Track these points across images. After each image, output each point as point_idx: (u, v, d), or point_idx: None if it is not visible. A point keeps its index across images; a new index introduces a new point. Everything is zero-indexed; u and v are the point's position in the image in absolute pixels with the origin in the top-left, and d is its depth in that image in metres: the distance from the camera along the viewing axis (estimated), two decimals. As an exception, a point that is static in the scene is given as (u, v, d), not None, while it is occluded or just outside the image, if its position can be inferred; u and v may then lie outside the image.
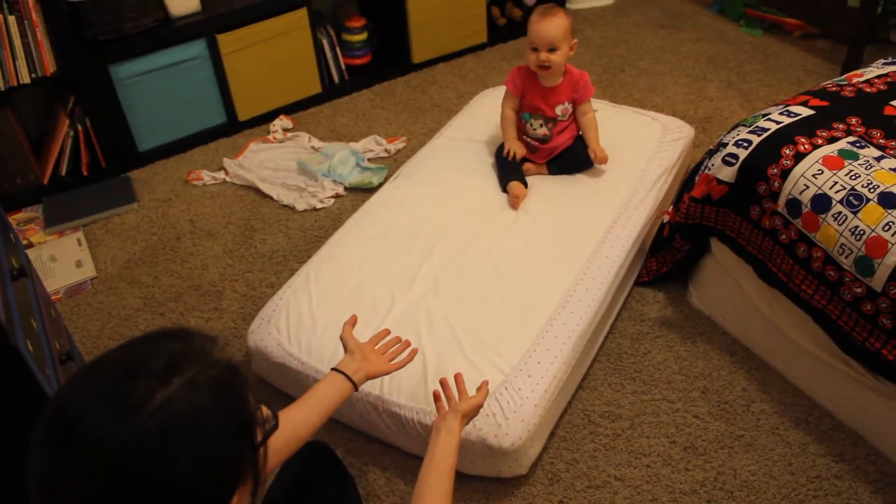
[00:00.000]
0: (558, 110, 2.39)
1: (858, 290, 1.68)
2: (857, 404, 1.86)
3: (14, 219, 2.80)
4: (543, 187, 2.39)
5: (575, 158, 2.43)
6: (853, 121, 1.91)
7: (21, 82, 2.64)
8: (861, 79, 2.11)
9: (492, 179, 2.44)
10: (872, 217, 1.67)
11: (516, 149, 2.40)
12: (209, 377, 0.80)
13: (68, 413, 0.76)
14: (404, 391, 1.82)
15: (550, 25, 2.27)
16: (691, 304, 2.25)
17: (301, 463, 1.52)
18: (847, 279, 1.70)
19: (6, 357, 1.23)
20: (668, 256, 2.24)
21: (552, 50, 2.29)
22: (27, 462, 0.78)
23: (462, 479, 1.83)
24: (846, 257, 1.69)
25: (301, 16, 3.12)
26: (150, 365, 0.79)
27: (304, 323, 2.00)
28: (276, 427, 0.91)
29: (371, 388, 1.84)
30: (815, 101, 2.00)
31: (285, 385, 2.02)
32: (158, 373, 0.78)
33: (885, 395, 1.75)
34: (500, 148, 2.46)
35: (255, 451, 0.85)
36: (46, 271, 2.55)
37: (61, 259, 2.61)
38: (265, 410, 0.91)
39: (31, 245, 2.69)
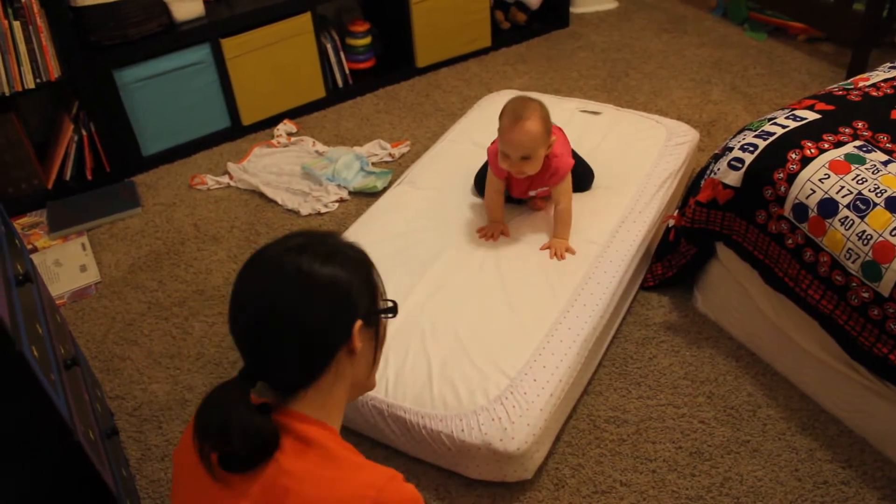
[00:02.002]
0: (533, 193, 2.27)
1: (865, 294, 1.67)
2: (864, 410, 1.85)
3: (19, 223, 2.80)
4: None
5: (575, 179, 2.26)
6: (860, 125, 1.90)
7: (26, 87, 2.64)
8: (867, 82, 2.11)
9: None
10: (879, 222, 1.66)
11: (496, 232, 2.22)
12: (350, 257, 1.09)
13: (240, 290, 1.06)
14: (409, 396, 1.82)
15: (523, 135, 1.99)
16: (697, 309, 2.24)
17: None
18: (854, 284, 1.69)
19: (11, 363, 1.22)
20: (673, 261, 2.23)
21: (525, 158, 2.04)
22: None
23: (467, 484, 1.82)
24: (853, 262, 1.69)
25: (305, 20, 3.12)
26: (308, 246, 1.07)
27: (308, 328, 1.99)
28: (396, 307, 1.17)
29: (376, 392, 1.83)
30: (822, 105, 2.00)
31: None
32: (317, 254, 1.06)
33: (893, 400, 1.74)
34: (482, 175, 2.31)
35: (375, 308, 1.13)
36: (51, 276, 2.55)
37: (66, 264, 2.61)
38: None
39: (35, 250, 2.69)
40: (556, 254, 2.14)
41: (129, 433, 2.03)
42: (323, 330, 1.04)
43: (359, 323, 1.07)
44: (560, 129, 2.30)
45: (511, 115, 2.02)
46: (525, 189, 2.23)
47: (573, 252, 2.15)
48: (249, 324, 1.04)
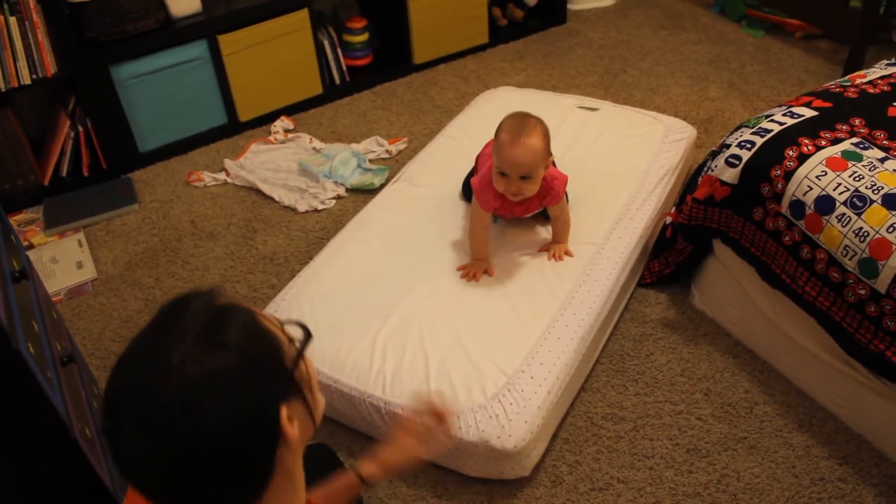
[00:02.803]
0: (529, 216, 2.20)
1: (862, 291, 1.68)
2: (860, 407, 1.85)
3: (15, 220, 2.79)
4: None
5: None
6: (857, 122, 1.90)
7: (22, 83, 2.63)
8: (864, 80, 2.11)
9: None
10: (876, 219, 1.66)
11: (479, 271, 2.08)
12: (238, 333, 0.83)
13: (114, 378, 0.81)
14: (407, 393, 1.81)
15: (525, 152, 1.88)
16: (694, 306, 2.24)
17: (303, 465, 1.51)
18: (851, 281, 1.70)
19: (7, 360, 1.22)
20: (670, 258, 2.23)
21: (525, 178, 1.93)
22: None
23: (465, 481, 1.82)
24: (850, 259, 1.69)
25: (302, 17, 3.11)
26: (187, 331, 0.81)
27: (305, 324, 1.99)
28: (309, 337, 0.91)
29: (374, 390, 1.83)
30: (819, 103, 2.00)
31: (287, 387, 2.01)
32: (191, 340, 0.81)
33: (889, 397, 1.75)
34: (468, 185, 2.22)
35: (289, 375, 0.87)
36: (47, 273, 2.55)
37: (62, 260, 2.60)
38: (289, 332, 0.92)
39: (31, 246, 2.68)
40: (554, 255, 2.13)
41: (126, 430, 2.02)
42: (241, 442, 0.80)
43: (283, 409, 0.84)
44: None
45: (510, 131, 1.90)
46: (520, 212, 2.13)
47: (571, 255, 2.13)
48: (141, 457, 0.79)
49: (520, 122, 1.92)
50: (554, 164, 2.22)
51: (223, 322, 0.83)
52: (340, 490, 1.29)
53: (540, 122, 1.96)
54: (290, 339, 0.91)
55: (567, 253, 2.13)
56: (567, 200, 2.17)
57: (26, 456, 1.35)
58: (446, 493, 1.81)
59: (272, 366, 0.85)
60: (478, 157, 2.27)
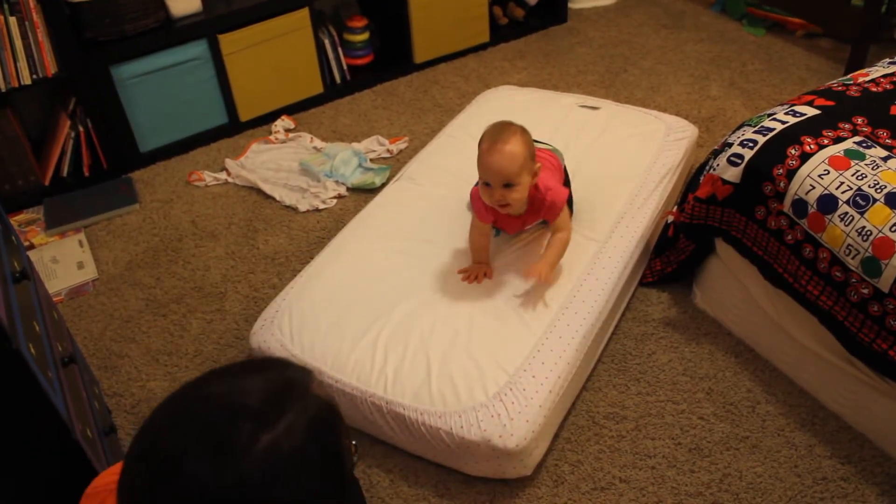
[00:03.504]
0: (529, 228, 2.15)
1: (865, 291, 1.67)
2: (863, 406, 1.85)
3: (15, 220, 2.79)
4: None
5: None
6: (859, 120, 1.90)
7: (22, 83, 2.63)
8: (867, 78, 2.10)
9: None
10: (879, 217, 1.66)
11: (480, 274, 2.06)
12: (310, 418, 0.78)
13: (165, 449, 0.73)
14: (409, 392, 1.81)
15: (503, 158, 1.84)
16: (696, 305, 2.24)
17: None
18: (854, 280, 1.69)
19: (8, 361, 1.22)
20: (672, 257, 2.23)
21: (509, 186, 1.89)
22: (120, 485, 0.76)
23: (466, 481, 1.82)
24: (853, 258, 1.68)
25: (303, 16, 3.11)
26: (248, 403, 0.76)
27: (307, 324, 1.99)
28: (357, 461, 0.89)
29: (375, 389, 1.83)
30: (821, 101, 1.99)
31: (288, 387, 2.01)
32: (260, 414, 0.75)
33: (892, 396, 1.74)
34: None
35: (345, 491, 0.82)
36: (48, 273, 2.54)
37: (63, 260, 2.60)
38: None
39: (32, 246, 2.68)
40: (533, 272, 1.93)
41: (128, 430, 2.02)
42: None
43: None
44: (554, 154, 2.21)
45: (489, 139, 1.88)
46: (518, 227, 2.12)
47: (550, 283, 1.99)
48: None
49: (499, 129, 1.90)
50: (566, 174, 2.22)
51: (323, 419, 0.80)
52: None
53: (520, 129, 1.92)
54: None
55: (547, 280, 1.96)
56: (572, 212, 2.13)
57: (27, 457, 1.34)
58: (448, 493, 1.80)
59: (344, 454, 0.83)
60: (472, 193, 2.16)
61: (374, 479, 1.85)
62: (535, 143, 2.07)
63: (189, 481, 0.71)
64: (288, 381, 0.80)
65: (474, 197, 2.04)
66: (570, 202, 2.17)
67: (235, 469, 0.72)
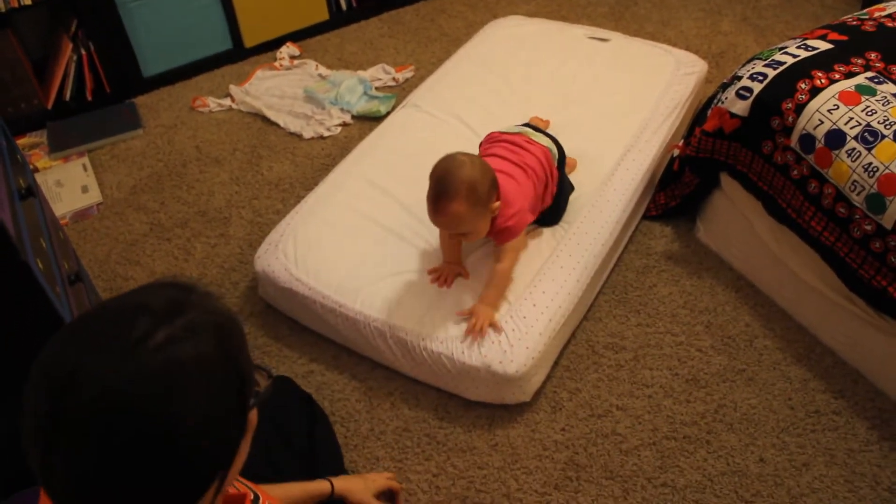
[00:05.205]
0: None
1: (868, 227, 1.67)
2: (859, 342, 1.87)
3: (19, 143, 2.78)
4: (556, 116, 2.36)
5: (549, 214, 2.03)
6: (872, 56, 1.87)
7: (22, 3, 2.59)
8: (883, 13, 2.06)
9: (500, 109, 2.41)
10: (887, 154, 1.65)
11: (451, 275, 1.89)
12: (212, 322, 0.74)
13: (63, 362, 0.69)
14: (412, 318, 1.83)
15: (447, 221, 1.70)
16: (699, 240, 2.24)
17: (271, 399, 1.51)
18: (857, 216, 1.69)
19: (17, 273, 1.23)
20: (676, 191, 2.23)
21: (462, 234, 1.76)
22: (20, 420, 0.71)
23: (466, 404, 1.85)
24: (858, 194, 1.68)
25: (309, -61, 3.04)
26: (148, 304, 0.72)
27: (311, 249, 2.00)
28: (270, 390, 0.83)
29: (379, 314, 1.85)
30: (834, 35, 1.96)
31: (292, 310, 2.03)
32: (159, 311, 0.72)
33: (889, 333, 1.76)
34: None
35: (245, 412, 0.78)
36: (52, 196, 2.55)
37: (67, 184, 2.60)
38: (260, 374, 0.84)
39: (36, 170, 2.67)
40: (475, 327, 1.75)
41: (133, 351, 2.05)
42: (215, 433, 0.73)
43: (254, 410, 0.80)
44: (546, 150, 1.97)
45: (434, 192, 1.67)
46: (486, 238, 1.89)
47: (499, 330, 1.76)
48: (80, 421, 0.67)
49: (444, 179, 1.66)
50: (561, 159, 2.05)
51: (202, 307, 0.76)
52: (312, 492, 1.43)
53: (470, 173, 1.66)
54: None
55: (493, 325, 1.77)
56: (570, 167, 2.01)
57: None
58: (448, 416, 1.84)
59: (244, 354, 0.79)
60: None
61: (375, 401, 1.88)
62: (533, 133, 1.96)
63: (86, 380, 0.67)
64: (190, 289, 0.77)
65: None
66: (560, 194, 2.03)
67: (133, 362, 0.68)
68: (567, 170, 2.12)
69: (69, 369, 0.68)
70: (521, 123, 2.12)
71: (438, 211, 1.68)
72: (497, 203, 1.74)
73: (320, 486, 1.45)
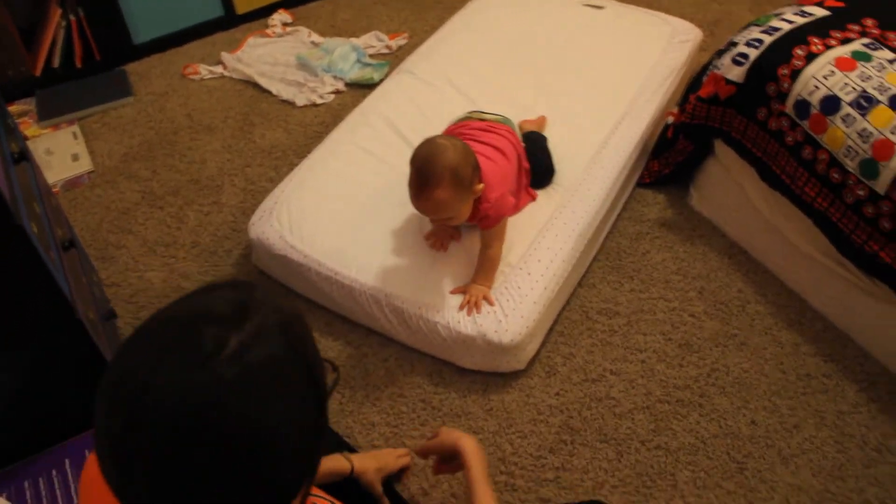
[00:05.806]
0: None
1: (861, 192, 1.68)
2: (849, 307, 1.89)
3: (8, 110, 2.75)
4: (551, 83, 2.35)
5: (539, 171, 2.04)
6: (869, 22, 1.87)
7: (10, -33, 2.55)
8: (878, -21, 2.05)
9: (496, 76, 2.40)
10: (881, 120, 1.65)
11: (446, 240, 1.91)
12: (279, 322, 0.72)
13: (133, 377, 0.66)
14: (408, 286, 1.84)
15: (430, 206, 1.67)
16: (692, 207, 2.25)
17: None
18: (850, 182, 1.70)
19: (11, 236, 1.22)
20: (670, 158, 2.23)
21: (445, 218, 1.73)
22: (95, 440, 0.69)
23: (460, 370, 1.87)
24: (851, 160, 1.69)
25: None
26: (213, 311, 0.70)
27: (306, 217, 2.00)
28: (337, 381, 0.81)
29: (375, 281, 1.85)
30: (831, 2, 1.95)
31: (287, 278, 2.03)
32: (224, 318, 0.69)
33: (879, 297, 1.78)
34: None
35: (323, 411, 0.75)
36: (43, 164, 2.52)
37: (57, 152, 2.58)
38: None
39: (25, 138, 2.65)
40: (469, 302, 1.79)
41: (127, 320, 2.05)
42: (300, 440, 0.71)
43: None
44: (510, 130, 1.96)
45: (415, 180, 1.66)
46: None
47: (491, 303, 1.80)
48: (158, 438, 0.65)
49: (427, 165, 1.64)
50: (541, 149, 2.06)
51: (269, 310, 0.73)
52: (333, 470, 1.38)
53: (452, 159, 1.64)
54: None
55: (486, 298, 1.80)
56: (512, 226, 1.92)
57: (31, 334, 1.36)
58: (442, 382, 1.85)
59: (312, 349, 0.76)
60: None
61: (370, 367, 1.89)
62: (486, 115, 1.95)
63: (161, 397, 0.65)
64: (252, 289, 0.74)
65: None
66: (533, 157, 2.03)
67: (206, 371, 0.65)
68: (535, 127, 2.14)
69: (140, 387, 0.66)
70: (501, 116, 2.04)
71: (422, 198, 1.66)
72: (480, 185, 1.71)
73: (340, 464, 1.40)
